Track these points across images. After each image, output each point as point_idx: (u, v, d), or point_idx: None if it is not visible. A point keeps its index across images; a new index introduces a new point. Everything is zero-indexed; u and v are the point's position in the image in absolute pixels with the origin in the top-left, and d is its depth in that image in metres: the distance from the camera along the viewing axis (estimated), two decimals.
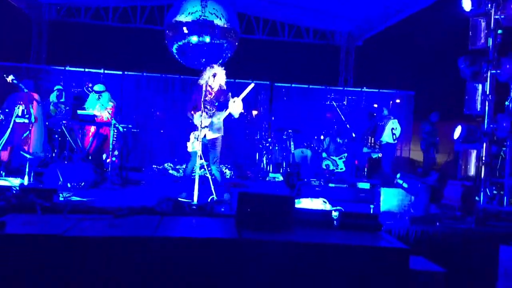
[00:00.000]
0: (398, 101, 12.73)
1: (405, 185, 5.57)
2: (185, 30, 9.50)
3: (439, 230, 4.89)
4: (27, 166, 5.93)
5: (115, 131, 7.05)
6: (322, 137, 10.28)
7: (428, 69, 15.59)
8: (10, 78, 6.34)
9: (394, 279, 3.71)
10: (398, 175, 5.77)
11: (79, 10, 13.14)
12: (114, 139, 7.04)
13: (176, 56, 10.79)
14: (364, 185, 6.72)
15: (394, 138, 8.69)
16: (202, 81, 5.78)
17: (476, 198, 5.78)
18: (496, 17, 5.82)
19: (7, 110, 6.19)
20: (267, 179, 9.42)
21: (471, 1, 5.87)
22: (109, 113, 7.14)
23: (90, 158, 7.34)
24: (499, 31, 5.84)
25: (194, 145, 5.71)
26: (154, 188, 7.08)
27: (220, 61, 10.69)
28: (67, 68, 11.38)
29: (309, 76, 13.08)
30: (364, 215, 4.65)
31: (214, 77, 5.81)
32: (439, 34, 13.20)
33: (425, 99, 13.09)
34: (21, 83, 6.66)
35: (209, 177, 5.60)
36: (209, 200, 5.26)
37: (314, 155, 9.88)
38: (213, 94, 5.89)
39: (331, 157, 9.83)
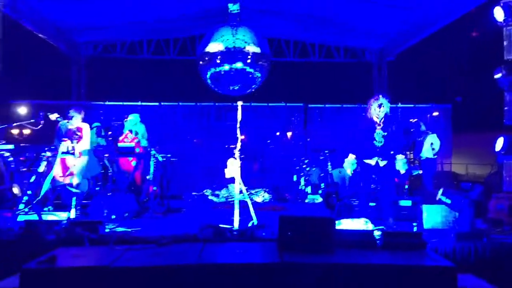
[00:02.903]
0: (435, 114, 12.51)
1: (448, 201, 5.44)
2: None
3: (487, 246, 4.75)
4: (74, 200, 6.13)
5: (155, 161, 7.24)
6: None
7: (465, 81, 15.31)
8: (54, 116, 6.58)
9: None
10: (441, 191, 5.65)
11: (115, 46, 13.68)
12: (154, 169, 7.21)
13: (210, 84, 11.01)
14: (406, 203, 6.60)
15: (434, 153, 8.52)
16: (369, 114, 5.96)
17: None
18: None
19: (52, 147, 6.44)
20: (306, 201, 9.38)
21: (504, 11, 5.78)
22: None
23: (132, 188, 7.53)
24: None
25: (232, 171, 5.79)
26: (195, 215, 7.17)
27: (254, 86, 10.84)
28: (107, 103, 11.80)
29: (342, 95, 13.06)
30: (407, 233, 4.58)
31: (380, 108, 5.90)
32: (474, 45, 12.99)
33: (463, 112, 12.82)
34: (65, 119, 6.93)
35: (249, 201, 5.64)
36: (249, 225, 5.29)
37: (353, 175, 9.77)
38: (381, 125, 5.96)
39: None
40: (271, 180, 11.60)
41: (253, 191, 9.59)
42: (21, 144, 6.47)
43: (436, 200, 5.65)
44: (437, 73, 15.71)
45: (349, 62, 14.41)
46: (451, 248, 4.72)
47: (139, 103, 11.97)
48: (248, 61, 10.04)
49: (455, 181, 11.60)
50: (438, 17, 10.55)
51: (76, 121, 6.98)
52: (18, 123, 6.95)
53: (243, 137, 5.88)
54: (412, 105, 12.41)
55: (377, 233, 4.59)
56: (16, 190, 6.90)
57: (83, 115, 7.17)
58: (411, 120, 10.21)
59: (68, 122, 6.88)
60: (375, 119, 5.95)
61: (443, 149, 10.58)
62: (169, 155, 7.96)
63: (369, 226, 5.35)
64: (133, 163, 7.81)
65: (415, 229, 5.55)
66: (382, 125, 5.91)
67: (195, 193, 9.77)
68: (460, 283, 3.71)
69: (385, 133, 5.89)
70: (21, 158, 6.48)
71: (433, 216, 5.41)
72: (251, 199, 7.76)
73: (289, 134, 12.24)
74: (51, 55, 12.79)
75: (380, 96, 5.97)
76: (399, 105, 12.43)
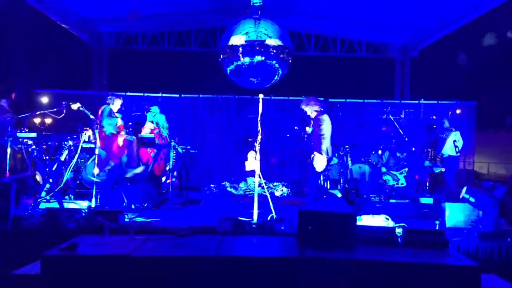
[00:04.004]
0: (458, 111, 12.27)
1: (472, 199, 5.34)
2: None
3: (510, 246, 4.64)
4: (94, 189, 6.19)
5: (175, 152, 7.25)
6: (380, 151, 10.07)
7: (490, 78, 15.00)
8: (76, 106, 6.62)
9: None
10: (464, 189, 5.54)
11: (136, 38, 13.76)
12: (174, 160, 7.23)
13: (231, 77, 10.99)
14: (427, 200, 6.50)
15: (457, 150, 8.35)
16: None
17: None
18: None
19: (74, 136, 6.50)
20: (324, 196, 9.31)
21: None
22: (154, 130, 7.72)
23: (151, 179, 7.56)
24: None
25: (252, 164, 5.76)
26: (214, 207, 7.17)
27: (275, 79, 10.79)
28: (128, 93, 11.87)
29: (363, 90, 12.91)
30: (429, 231, 4.49)
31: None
32: (500, 41, 12.71)
33: (488, 109, 12.55)
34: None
35: (268, 195, 5.61)
36: (268, 218, 5.27)
37: (373, 170, 9.67)
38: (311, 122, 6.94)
39: (391, 172, 9.61)
40: (290, 174, 11.55)
41: (272, 185, 9.56)
42: (43, 133, 6.51)
43: (460, 198, 5.54)
44: (461, 70, 15.41)
45: (371, 57, 14.23)
46: (474, 248, 4.63)
47: (159, 95, 12.02)
48: (273, 53, 9.99)
49: (477, 180, 11.41)
50: (463, 12, 10.32)
51: (116, 105, 7.23)
52: (41, 112, 7.04)
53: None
54: (435, 102, 12.19)
55: (398, 230, 4.52)
56: (38, 178, 7.00)
57: (122, 101, 7.46)
58: (432, 117, 10.04)
59: (109, 106, 7.27)
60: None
61: (466, 147, 10.38)
62: (188, 147, 7.97)
63: (390, 223, 5.28)
64: (152, 154, 7.84)
65: (437, 227, 5.46)
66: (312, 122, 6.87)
67: (213, 185, 9.78)
68: (484, 283, 3.63)
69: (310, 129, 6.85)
70: (43, 147, 6.55)
71: (456, 214, 5.31)
72: (270, 193, 7.74)
73: (307, 129, 12.16)
74: (74, 46, 12.95)
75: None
76: (422, 101, 12.24)
